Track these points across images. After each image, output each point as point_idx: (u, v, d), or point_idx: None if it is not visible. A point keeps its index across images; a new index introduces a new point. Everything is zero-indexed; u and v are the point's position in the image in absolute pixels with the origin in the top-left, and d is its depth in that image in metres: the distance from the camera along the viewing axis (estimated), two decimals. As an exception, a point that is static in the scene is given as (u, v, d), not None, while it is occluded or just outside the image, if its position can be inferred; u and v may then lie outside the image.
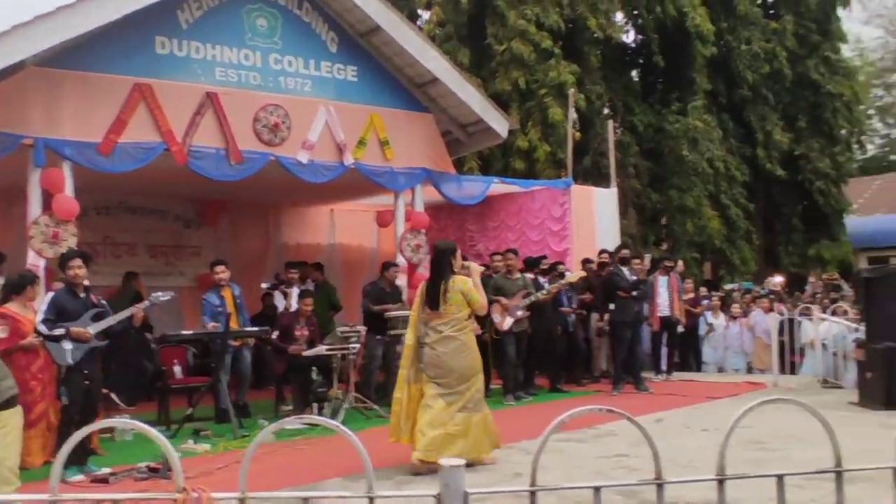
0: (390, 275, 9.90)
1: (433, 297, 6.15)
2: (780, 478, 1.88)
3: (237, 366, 8.75)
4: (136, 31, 8.24)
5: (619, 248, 11.22)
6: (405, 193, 10.69)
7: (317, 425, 5.63)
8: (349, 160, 9.67)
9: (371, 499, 1.87)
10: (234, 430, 7.53)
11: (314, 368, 8.74)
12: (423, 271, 10.72)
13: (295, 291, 10.30)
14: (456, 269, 6.27)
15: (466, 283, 6.17)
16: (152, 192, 11.28)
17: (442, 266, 6.25)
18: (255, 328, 8.96)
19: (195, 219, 12.43)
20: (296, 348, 8.54)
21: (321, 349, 8.36)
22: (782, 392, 9.93)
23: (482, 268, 7.37)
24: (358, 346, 8.90)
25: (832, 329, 10.68)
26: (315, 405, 8.47)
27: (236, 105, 8.82)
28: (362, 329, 9.14)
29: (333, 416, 7.85)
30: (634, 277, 10.42)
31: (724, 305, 13.44)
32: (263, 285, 11.54)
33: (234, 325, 8.52)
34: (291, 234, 13.53)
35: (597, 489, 1.89)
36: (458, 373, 6.06)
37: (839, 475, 1.88)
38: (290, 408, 8.66)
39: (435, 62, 10.24)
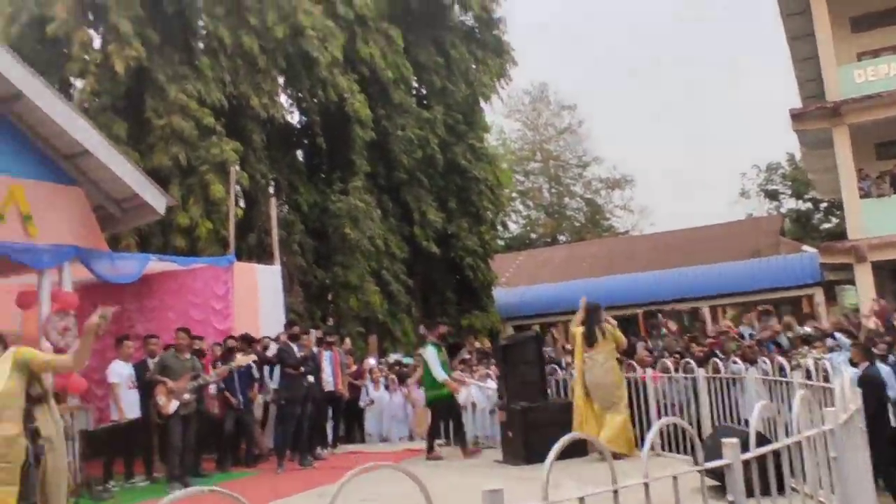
0: None
1: (590, 337, 9.10)
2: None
3: None
4: None
5: (287, 325, 11.25)
6: (51, 272, 9.87)
7: None
8: (-17, 237, 8.77)
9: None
10: None
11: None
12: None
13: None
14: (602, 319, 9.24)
15: (609, 326, 9.16)
16: None
17: (595, 316, 9.23)
18: None
19: None
20: None
21: None
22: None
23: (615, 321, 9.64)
24: None
25: (486, 392, 11.52)
26: None
27: None
28: None
29: None
30: (302, 354, 10.47)
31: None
32: None
33: None
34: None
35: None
36: (604, 388, 8.97)
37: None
38: None
39: (85, 133, 9.72)
